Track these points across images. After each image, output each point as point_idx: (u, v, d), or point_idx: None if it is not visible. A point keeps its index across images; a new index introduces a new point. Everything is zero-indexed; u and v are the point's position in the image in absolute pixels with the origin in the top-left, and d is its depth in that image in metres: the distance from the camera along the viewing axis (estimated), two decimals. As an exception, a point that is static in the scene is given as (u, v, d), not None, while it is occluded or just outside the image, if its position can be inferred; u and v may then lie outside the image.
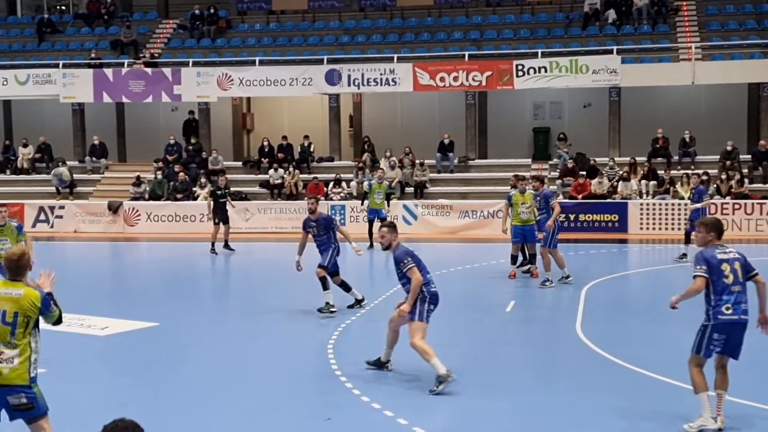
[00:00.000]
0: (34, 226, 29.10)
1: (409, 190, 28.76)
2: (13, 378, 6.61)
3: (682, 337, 12.11)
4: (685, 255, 19.27)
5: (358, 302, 14.55)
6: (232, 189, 25.67)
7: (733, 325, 8.15)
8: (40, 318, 6.82)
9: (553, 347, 12.31)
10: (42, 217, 29.25)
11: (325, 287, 14.18)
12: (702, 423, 8.19)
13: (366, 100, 32.56)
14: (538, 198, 16.96)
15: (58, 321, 6.94)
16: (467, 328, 12.91)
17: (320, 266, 14.23)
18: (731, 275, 8.13)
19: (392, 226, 10.37)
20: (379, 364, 10.58)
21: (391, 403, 9.18)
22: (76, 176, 31.08)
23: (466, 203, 27.16)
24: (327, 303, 14.15)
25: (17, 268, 6.89)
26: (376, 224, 20.61)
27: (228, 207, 23.28)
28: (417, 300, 9.90)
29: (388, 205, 24.36)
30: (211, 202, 23.18)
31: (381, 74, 29.72)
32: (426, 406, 9.27)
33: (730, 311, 8.10)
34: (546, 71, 28.68)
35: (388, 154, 29.49)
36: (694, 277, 8.23)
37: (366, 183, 25.17)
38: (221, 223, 22.81)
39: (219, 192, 23.20)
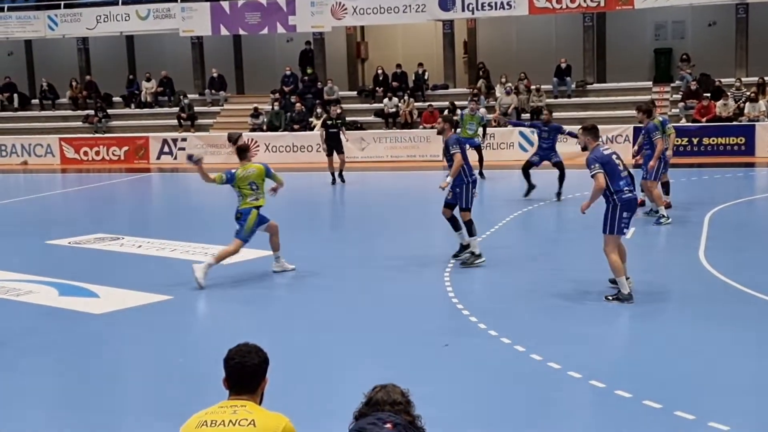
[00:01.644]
0: (158, 158, 30.04)
1: (525, 116, 28.31)
2: None
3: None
4: None
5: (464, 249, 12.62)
6: (347, 119, 25.79)
7: None
8: None
9: (675, 275, 12.02)
10: (165, 149, 30.10)
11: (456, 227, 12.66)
12: None
13: (480, 26, 32.04)
14: (643, 132, 15.97)
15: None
16: (586, 254, 12.71)
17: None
18: None
19: (587, 129, 10.51)
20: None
21: (508, 330, 9.16)
22: (196, 108, 31.78)
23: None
24: (461, 245, 12.64)
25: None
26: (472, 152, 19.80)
27: (342, 137, 22.85)
28: (608, 210, 10.16)
29: (484, 136, 23.09)
30: (323, 132, 22.97)
31: (496, -2, 29.12)
32: (543, 333, 9.21)
33: None
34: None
35: (503, 80, 29.04)
36: None
37: (459, 113, 24.53)
38: (335, 153, 22.63)
39: (330, 122, 23.00)
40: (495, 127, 27.13)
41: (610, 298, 10.29)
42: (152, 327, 10.02)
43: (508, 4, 28.99)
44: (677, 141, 23.51)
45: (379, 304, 10.58)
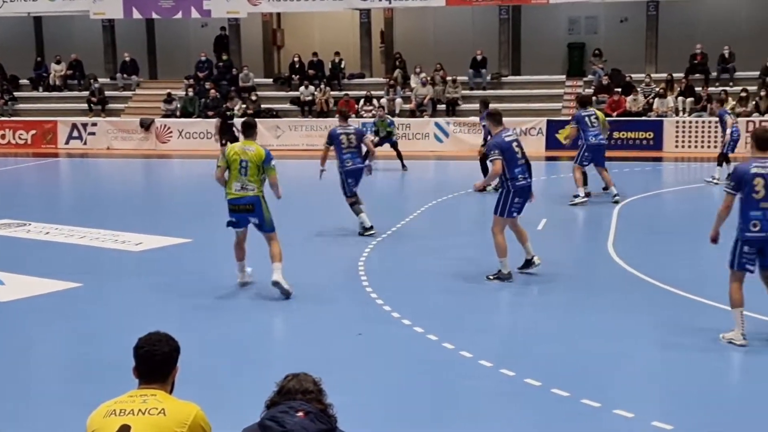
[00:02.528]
0: (67, 143, 29.33)
1: (441, 107, 28.50)
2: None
3: (714, 256, 12.07)
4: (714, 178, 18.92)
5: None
6: (262, 106, 25.49)
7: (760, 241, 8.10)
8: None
9: (585, 265, 12.27)
10: (75, 134, 29.41)
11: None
12: (732, 336, 8.26)
13: (398, 16, 32.11)
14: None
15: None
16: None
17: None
18: (763, 191, 7.98)
19: (490, 114, 11.29)
20: (527, 264, 11.03)
21: (422, 319, 9.22)
22: (107, 93, 31.12)
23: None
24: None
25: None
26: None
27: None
28: (501, 193, 10.76)
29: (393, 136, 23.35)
30: (219, 123, 22.42)
31: (413, -12, 29.21)
32: (455, 322, 9.30)
33: (756, 228, 8.05)
34: (582, -15, 28.02)
35: (418, 70, 29.17)
36: (725, 192, 8.34)
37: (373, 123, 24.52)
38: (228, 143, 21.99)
39: (229, 113, 22.58)
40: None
41: (491, 277, 10.75)
42: (60, 314, 9.79)
43: (425, -6, 29.11)
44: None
45: (293, 293, 10.52)
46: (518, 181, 10.64)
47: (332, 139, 13.66)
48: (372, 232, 13.57)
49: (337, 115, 14.26)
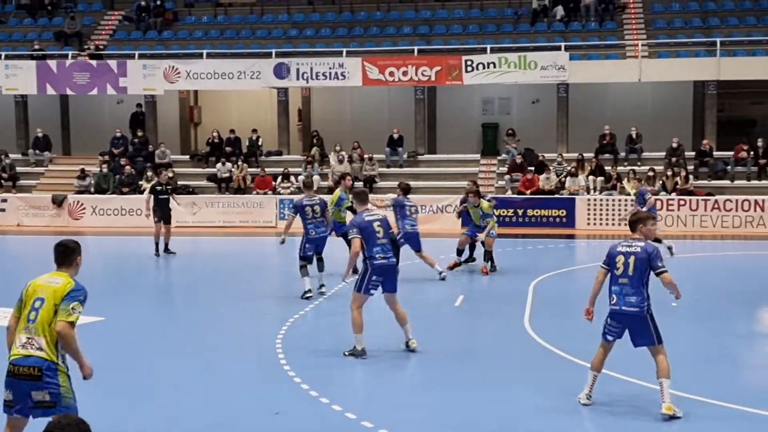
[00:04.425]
0: (-25, 219, 28.53)
1: (358, 184, 28.66)
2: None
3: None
4: None
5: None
6: (179, 183, 25.34)
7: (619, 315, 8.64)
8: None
9: (501, 341, 12.34)
10: (-16, 210, 28.66)
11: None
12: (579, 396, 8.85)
13: (315, 94, 32.44)
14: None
15: None
16: (416, 322, 12.85)
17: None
18: (622, 267, 8.56)
19: (356, 194, 11.59)
20: (406, 345, 11.02)
21: (340, 397, 9.11)
22: (19, 169, 30.52)
23: (415, 198, 27.11)
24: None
25: None
26: None
27: (172, 205, 21.46)
28: (362, 271, 10.84)
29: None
30: (151, 198, 21.12)
31: (330, 68, 29.59)
32: (374, 400, 9.21)
33: (614, 301, 8.61)
34: (495, 67, 28.79)
35: (337, 148, 29.39)
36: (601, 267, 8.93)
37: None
38: (162, 222, 20.94)
39: (160, 188, 21.26)
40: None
41: (347, 353, 10.84)
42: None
43: (342, 74, 29.49)
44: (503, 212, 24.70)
45: (210, 371, 10.30)
46: (376, 260, 10.74)
47: (297, 209, 14.84)
48: (309, 295, 14.46)
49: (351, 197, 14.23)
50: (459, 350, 11.17)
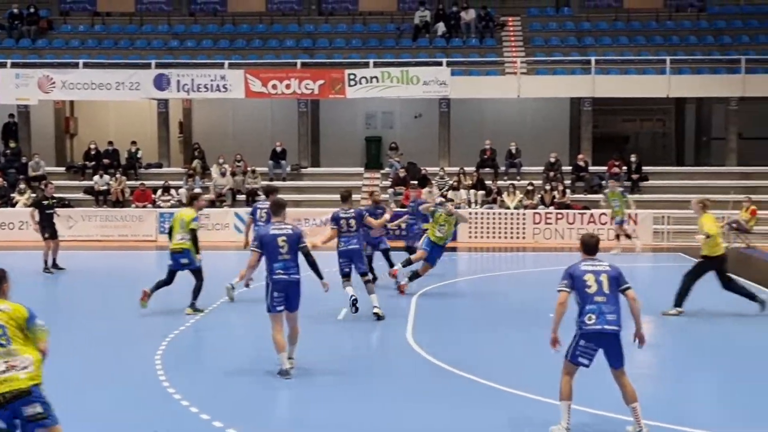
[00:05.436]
0: None
1: (241, 197, 28.36)
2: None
3: (509, 343, 12.42)
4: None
5: None
6: (55, 195, 24.44)
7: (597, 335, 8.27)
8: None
9: (383, 354, 12.33)
10: None
11: None
12: (556, 429, 8.34)
13: (196, 106, 31.97)
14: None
15: None
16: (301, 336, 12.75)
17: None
18: (595, 285, 8.28)
19: (272, 204, 11.26)
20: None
21: (221, 413, 8.92)
22: None
23: (299, 211, 27.00)
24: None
25: None
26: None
27: (55, 219, 20.45)
28: (265, 289, 10.55)
29: None
30: (36, 213, 20.08)
31: (212, 80, 29.22)
32: (255, 416, 9.06)
33: (592, 321, 8.24)
34: (378, 81, 28.96)
35: (220, 161, 29.00)
36: (558, 291, 8.44)
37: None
38: (50, 238, 19.89)
39: (46, 202, 20.19)
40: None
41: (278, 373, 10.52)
42: None
43: (224, 86, 29.15)
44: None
45: (86, 390, 9.94)
46: (275, 275, 10.42)
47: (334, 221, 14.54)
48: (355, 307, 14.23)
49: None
50: (342, 364, 11.10)
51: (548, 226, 26.16)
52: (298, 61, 30.28)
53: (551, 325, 8.42)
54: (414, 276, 16.93)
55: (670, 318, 14.49)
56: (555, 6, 35.94)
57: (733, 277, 15.00)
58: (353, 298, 14.23)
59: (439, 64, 29.70)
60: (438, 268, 19.71)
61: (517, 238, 26.16)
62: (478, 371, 10.68)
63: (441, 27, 32.60)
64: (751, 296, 14.86)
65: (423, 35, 32.70)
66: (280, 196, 12.78)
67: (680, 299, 14.74)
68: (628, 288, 8.42)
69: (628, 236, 23.86)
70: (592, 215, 26.30)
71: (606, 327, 8.19)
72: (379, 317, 14.07)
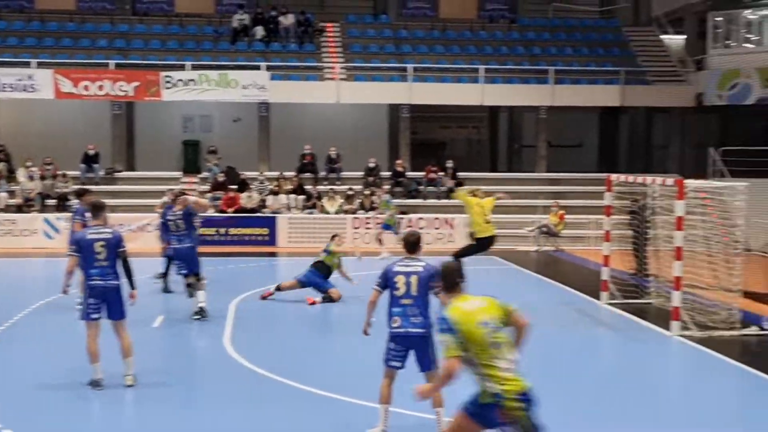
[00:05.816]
0: None
1: (51, 202, 27.11)
2: None
3: (328, 349, 12.43)
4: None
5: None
6: None
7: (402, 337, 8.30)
8: None
9: (200, 361, 12.06)
10: None
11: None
12: None
13: (2, 106, 30.34)
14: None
15: None
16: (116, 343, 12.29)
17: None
18: (403, 287, 8.28)
19: (90, 206, 10.75)
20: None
21: (26, 427, 8.46)
22: None
23: (114, 216, 26.04)
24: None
25: None
26: None
27: None
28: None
29: None
30: None
31: (18, 80, 27.83)
32: (61, 428, 8.64)
33: (397, 323, 8.27)
34: (195, 84, 28.42)
35: (28, 164, 27.63)
36: (372, 288, 8.52)
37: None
38: None
39: None
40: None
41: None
42: None
43: (32, 86, 27.82)
44: (205, 231, 24.34)
45: None
46: (92, 280, 10.04)
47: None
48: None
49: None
50: (156, 373, 10.75)
51: (368, 231, 26.41)
52: (112, 62, 29.27)
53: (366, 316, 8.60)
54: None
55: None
56: (373, 13, 36.41)
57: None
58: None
59: (258, 68, 29.45)
60: (257, 273, 19.57)
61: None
62: (297, 377, 10.62)
63: (260, 31, 32.35)
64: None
65: (241, 39, 32.34)
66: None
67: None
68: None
69: (380, 241, 24.32)
70: (410, 220, 26.75)
71: (410, 330, 8.23)
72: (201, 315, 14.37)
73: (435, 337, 8.19)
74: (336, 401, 9.69)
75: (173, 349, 12.69)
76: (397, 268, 8.41)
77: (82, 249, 10.04)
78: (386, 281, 8.39)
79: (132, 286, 10.27)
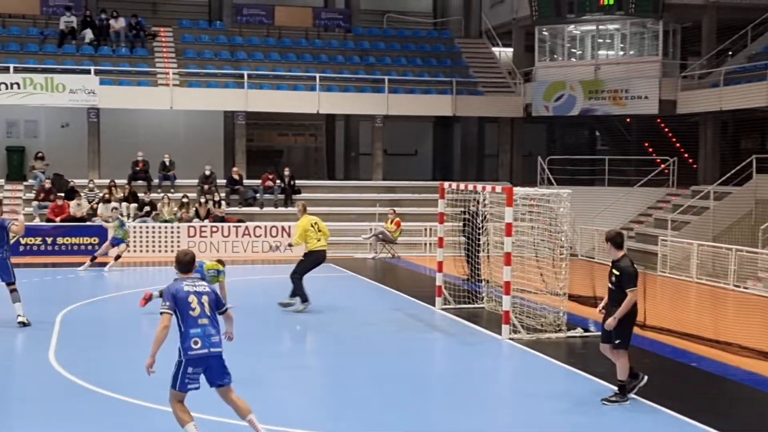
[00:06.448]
0: None
1: None
2: None
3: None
4: None
5: None
6: None
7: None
8: None
9: (23, 377, 11.50)
10: None
11: None
12: None
13: None
14: None
15: None
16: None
17: None
18: (198, 308, 8.05)
19: None
20: None
21: None
22: None
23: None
24: None
25: None
26: None
27: None
28: None
29: None
30: None
31: None
32: None
33: (198, 345, 8.02)
34: (19, 88, 27.25)
35: None
36: (161, 313, 8.05)
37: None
38: None
39: None
40: None
41: None
42: None
43: None
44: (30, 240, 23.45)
45: None
46: None
47: None
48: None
49: None
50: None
51: (203, 239, 25.95)
52: (-73, 63, 27.67)
53: (151, 348, 7.98)
54: None
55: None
56: (207, 19, 35.90)
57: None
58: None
59: (87, 72, 28.49)
60: (87, 284, 18.91)
61: (172, 251, 25.64)
62: (122, 389, 10.27)
63: (89, 34, 31.26)
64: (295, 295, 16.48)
65: (69, 42, 31.18)
66: None
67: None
68: (227, 310, 8.43)
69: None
70: (246, 228, 26.46)
71: (212, 350, 8.07)
72: (24, 324, 14.17)
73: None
74: (160, 412, 9.41)
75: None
76: (186, 288, 8.10)
77: None
78: (176, 303, 8.02)
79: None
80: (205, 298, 8.13)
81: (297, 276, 16.41)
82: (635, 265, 10.23)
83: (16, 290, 14.35)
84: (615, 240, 10.33)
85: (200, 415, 8.46)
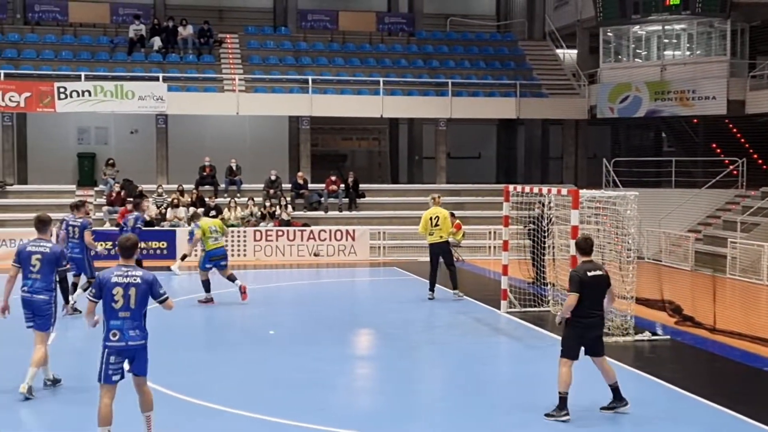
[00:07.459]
0: None
1: (-63, 218, 26.14)
2: None
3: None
4: None
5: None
6: None
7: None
8: None
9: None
10: None
11: None
12: None
13: None
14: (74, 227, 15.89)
15: None
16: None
17: None
18: (122, 300, 8.10)
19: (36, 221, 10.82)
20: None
21: None
22: None
23: (5, 231, 25.29)
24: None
25: None
26: None
27: None
28: None
29: None
30: None
31: None
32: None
33: (117, 337, 8.12)
34: (90, 95, 27.83)
35: None
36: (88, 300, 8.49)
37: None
38: None
39: None
40: None
41: None
42: None
43: None
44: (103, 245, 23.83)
45: None
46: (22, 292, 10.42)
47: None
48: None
49: None
50: None
51: (269, 243, 26.22)
52: (1, 72, 28.43)
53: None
54: None
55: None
56: (272, 25, 36.29)
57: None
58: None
59: (156, 79, 29.02)
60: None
61: (239, 255, 25.98)
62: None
63: (157, 41, 31.87)
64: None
65: (138, 49, 31.81)
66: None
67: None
68: (165, 298, 8.39)
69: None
70: (311, 231, 26.69)
71: (130, 343, 8.13)
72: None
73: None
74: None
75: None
76: (115, 279, 8.12)
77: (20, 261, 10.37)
78: (102, 292, 8.15)
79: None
80: (132, 290, 8.12)
81: (449, 267, 18.20)
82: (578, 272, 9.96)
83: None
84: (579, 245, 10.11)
85: (256, 416, 8.55)
